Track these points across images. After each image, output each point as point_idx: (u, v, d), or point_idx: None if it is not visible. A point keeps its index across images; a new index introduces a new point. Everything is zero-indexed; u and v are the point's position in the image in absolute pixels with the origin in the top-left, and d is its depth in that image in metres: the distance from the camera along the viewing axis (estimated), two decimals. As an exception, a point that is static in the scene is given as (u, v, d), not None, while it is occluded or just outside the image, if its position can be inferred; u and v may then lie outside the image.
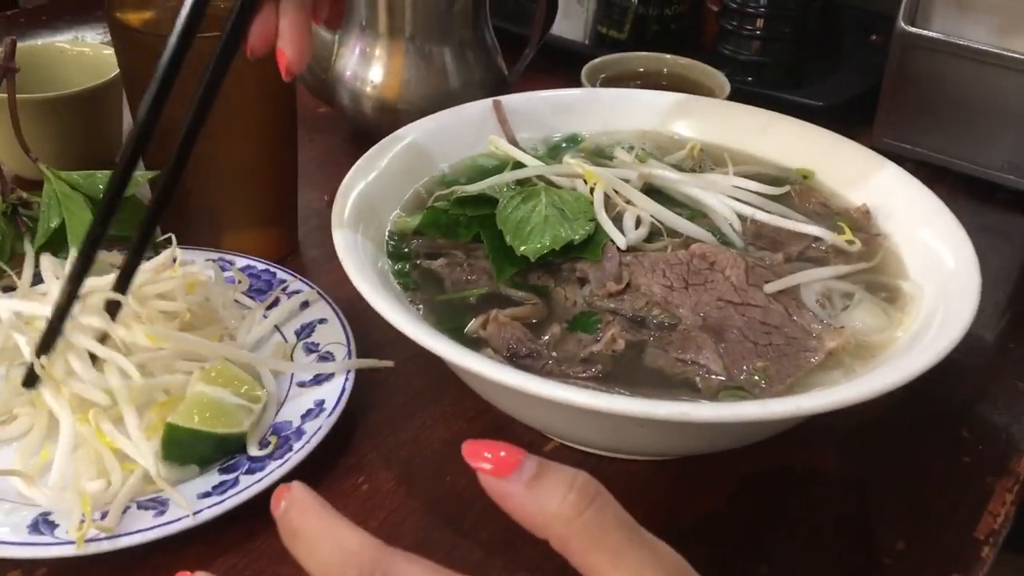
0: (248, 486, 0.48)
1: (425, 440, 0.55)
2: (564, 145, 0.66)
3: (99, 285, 0.50)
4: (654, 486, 0.52)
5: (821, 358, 0.49)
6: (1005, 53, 0.73)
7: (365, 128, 0.79)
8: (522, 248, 0.52)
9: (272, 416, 0.53)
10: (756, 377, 0.48)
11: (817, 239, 0.58)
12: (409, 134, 0.61)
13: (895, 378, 0.43)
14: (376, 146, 0.59)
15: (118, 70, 0.67)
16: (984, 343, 0.66)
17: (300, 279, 0.61)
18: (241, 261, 0.63)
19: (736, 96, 0.80)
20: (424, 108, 0.70)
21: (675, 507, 0.51)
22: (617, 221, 0.55)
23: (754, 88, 0.89)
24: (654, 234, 0.56)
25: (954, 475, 0.54)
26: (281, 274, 0.62)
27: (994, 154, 0.77)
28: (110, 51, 0.75)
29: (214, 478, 0.49)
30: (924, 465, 0.55)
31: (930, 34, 0.76)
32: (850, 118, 0.85)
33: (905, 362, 0.44)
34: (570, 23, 0.98)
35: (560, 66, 0.89)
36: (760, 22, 0.89)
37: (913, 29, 0.77)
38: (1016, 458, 0.55)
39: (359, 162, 0.57)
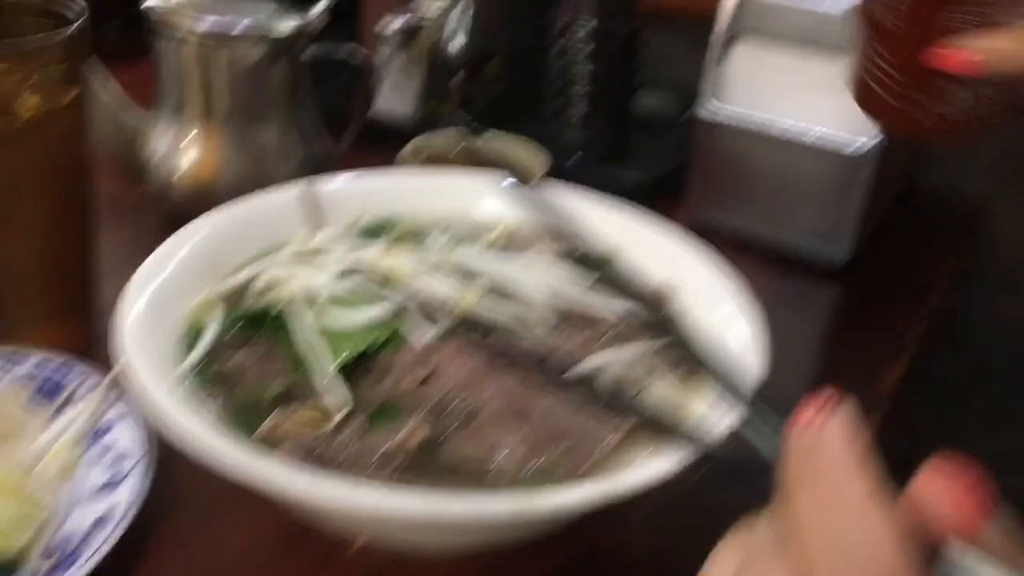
0: (23, 609, 0.45)
1: (228, 544, 0.52)
2: (373, 231, 0.65)
3: None
4: (464, 579, 0.51)
5: (619, 438, 0.49)
6: (793, 131, 0.78)
7: (182, 212, 0.77)
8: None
9: (55, 528, 0.50)
10: (556, 462, 0.48)
11: (624, 316, 0.59)
12: (209, 224, 0.60)
13: (684, 455, 0.44)
14: (171, 238, 0.57)
15: None
16: (790, 410, 0.69)
17: (99, 374, 0.58)
18: (34, 358, 0.60)
19: (559, 172, 0.82)
20: (244, 190, 0.68)
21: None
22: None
23: (579, 165, 0.91)
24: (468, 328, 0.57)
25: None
26: (76, 371, 0.59)
27: (794, 226, 0.82)
28: None
29: (-15, 602, 0.46)
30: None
31: (728, 113, 0.81)
32: (668, 192, 0.89)
33: (694, 439, 0.45)
34: (399, 99, 0.99)
35: (391, 142, 0.90)
36: (581, 104, 0.92)
37: (713, 110, 0.81)
38: (813, 523, 0.57)
39: (154, 255, 0.55)
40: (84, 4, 0.60)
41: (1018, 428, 1.09)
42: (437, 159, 0.83)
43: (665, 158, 0.94)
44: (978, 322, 1.07)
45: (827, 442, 0.24)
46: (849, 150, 0.78)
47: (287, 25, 0.77)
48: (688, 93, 1.03)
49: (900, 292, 0.83)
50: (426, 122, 0.97)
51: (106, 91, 0.76)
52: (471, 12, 0.94)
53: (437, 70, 0.96)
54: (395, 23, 1.00)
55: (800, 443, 0.24)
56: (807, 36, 0.77)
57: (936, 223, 0.98)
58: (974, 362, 1.09)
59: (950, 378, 1.11)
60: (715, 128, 0.82)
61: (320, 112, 0.83)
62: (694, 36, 0.87)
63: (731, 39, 0.80)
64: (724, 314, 0.58)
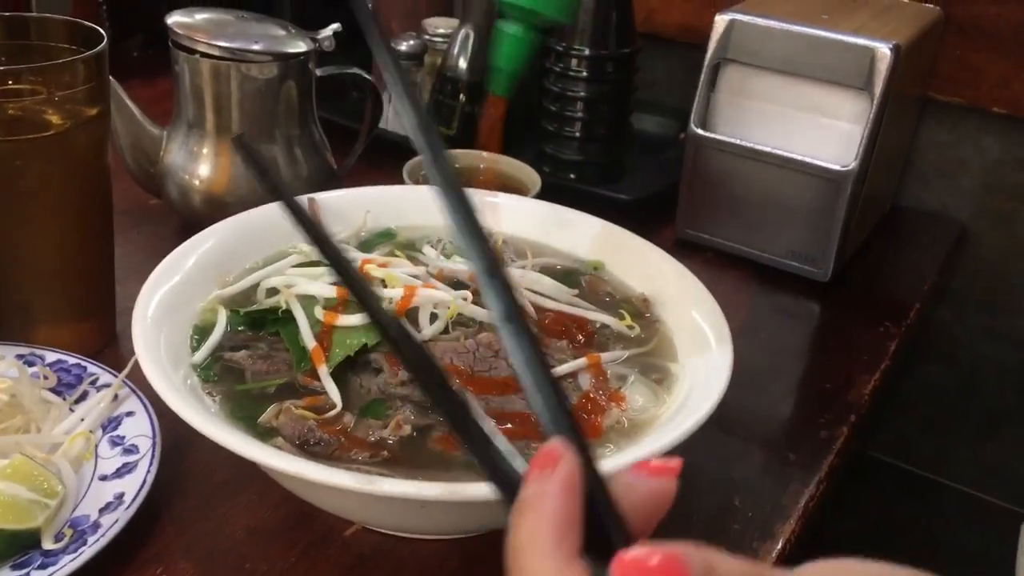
0: (38, 581, 0.49)
1: (228, 529, 0.56)
2: (371, 241, 0.69)
3: None
4: (447, 565, 0.55)
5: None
6: (777, 153, 0.82)
7: (195, 220, 0.81)
8: None
9: (70, 510, 0.54)
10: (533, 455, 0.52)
11: (603, 325, 0.63)
12: (218, 232, 0.64)
13: (642, 453, 0.48)
14: (184, 244, 0.62)
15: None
16: (767, 417, 0.72)
17: (110, 372, 0.63)
18: (51, 356, 0.64)
19: (556, 190, 0.86)
20: (253, 202, 0.72)
21: (466, 584, 0.54)
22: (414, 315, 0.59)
23: (574, 184, 0.95)
24: (457, 324, 0.60)
25: (724, 542, 0.59)
26: (92, 368, 0.63)
27: (779, 243, 0.86)
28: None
29: (4, 575, 0.50)
30: (698, 534, 0.59)
31: (717, 136, 0.84)
32: (658, 210, 0.93)
33: (655, 438, 0.49)
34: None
35: (394, 160, 0.94)
36: (578, 125, 0.96)
37: (702, 132, 0.85)
38: (780, 523, 0.60)
39: (165, 261, 0.60)
40: (105, 27, 0.65)
41: (1004, 443, 1.11)
42: (438, 176, 0.87)
43: (658, 178, 0.97)
44: (966, 338, 1.10)
45: (545, 498, 0.27)
46: (832, 171, 0.81)
47: (298, 47, 0.81)
48: (681, 115, 1.07)
49: (881, 308, 0.86)
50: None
51: (126, 107, 0.81)
52: (474, 37, 0.98)
53: (441, 92, 1.00)
54: (402, 46, 1.05)
55: (526, 493, 0.28)
56: (793, 60, 0.81)
57: (920, 243, 1.01)
58: (962, 378, 1.12)
59: (938, 393, 1.13)
60: (704, 149, 0.86)
61: (328, 129, 0.87)
62: (688, 61, 0.91)
63: (720, 63, 0.84)
64: (697, 324, 0.61)
